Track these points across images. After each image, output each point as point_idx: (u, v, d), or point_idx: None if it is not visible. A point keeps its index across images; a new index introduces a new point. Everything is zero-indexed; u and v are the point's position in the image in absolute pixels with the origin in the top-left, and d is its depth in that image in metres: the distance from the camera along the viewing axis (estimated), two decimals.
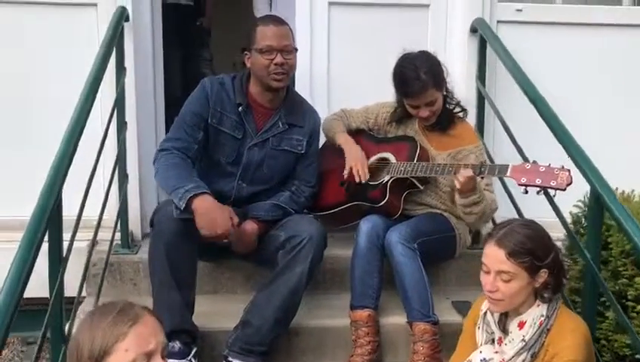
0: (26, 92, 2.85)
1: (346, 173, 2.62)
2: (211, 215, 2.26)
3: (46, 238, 1.72)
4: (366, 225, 2.52)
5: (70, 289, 2.04)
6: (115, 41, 2.50)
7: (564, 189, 2.07)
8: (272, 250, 2.44)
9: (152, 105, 2.98)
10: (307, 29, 2.97)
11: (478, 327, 2.01)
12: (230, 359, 2.30)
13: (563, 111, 2.42)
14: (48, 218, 1.67)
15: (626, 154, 2.99)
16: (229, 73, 2.62)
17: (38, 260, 1.59)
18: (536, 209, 2.37)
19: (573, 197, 2.35)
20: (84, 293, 2.45)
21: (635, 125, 3.10)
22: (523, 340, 1.86)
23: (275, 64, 2.41)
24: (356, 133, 2.79)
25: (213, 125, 2.48)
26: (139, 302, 2.66)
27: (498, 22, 3.00)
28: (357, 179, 2.58)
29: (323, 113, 2.80)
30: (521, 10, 3.02)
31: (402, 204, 2.59)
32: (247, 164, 2.52)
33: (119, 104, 2.64)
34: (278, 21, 2.50)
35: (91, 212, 2.28)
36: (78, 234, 2.05)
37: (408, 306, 2.41)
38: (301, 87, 2.94)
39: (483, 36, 2.90)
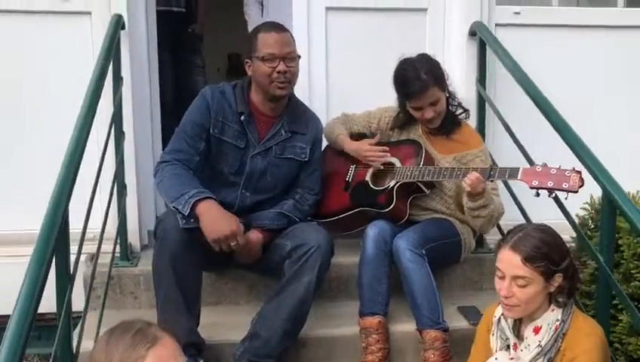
0: (20, 100, 2.80)
1: (370, 171, 2.61)
2: (217, 218, 2.23)
3: None
4: (373, 231, 2.49)
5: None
6: (112, 50, 2.45)
7: (577, 191, 2.06)
8: (278, 260, 2.40)
9: (148, 115, 2.94)
10: (305, 35, 2.94)
11: (493, 334, 1.99)
12: None
13: (562, 113, 2.41)
14: (56, 236, 1.61)
15: (629, 155, 3.00)
16: (230, 82, 2.58)
17: None
18: (541, 211, 2.37)
19: (576, 199, 2.34)
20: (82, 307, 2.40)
21: (636, 126, 3.12)
22: (539, 345, 1.85)
23: (278, 72, 2.38)
24: (358, 138, 2.76)
25: (215, 135, 2.44)
26: (140, 316, 2.62)
27: (496, 25, 3.00)
28: (380, 161, 2.57)
29: (322, 118, 2.77)
30: (519, 13, 3.02)
31: (408, 209, 2.57)
32: (250, 173, 2.48)
33: (117, 114, 2.58)
34: (279, 28, 2.46)
35: (91, 224, 2.23)
36: (74, 247, 1.99)
37: (418, 313, 2.39)
38: (300, 93, 2.89)
39: (482, 39, 2.89)
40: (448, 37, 3.04)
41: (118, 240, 2.66)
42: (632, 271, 2.08)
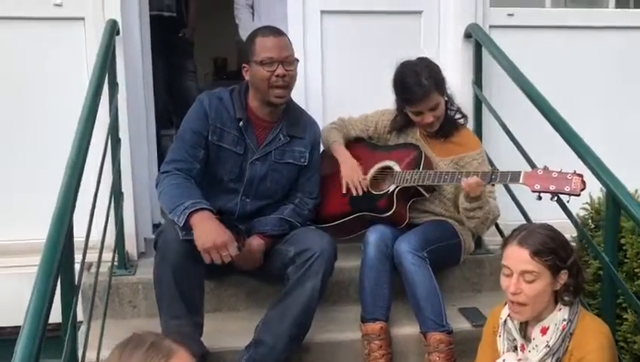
0: (13, 106, 2.76)
1: (344, 188, 2.60)
2: (209, 229, 2.18)
3: None
4: (374, 236, 2.48)
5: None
6: (109, 57, 2.42)
7: (579, 195, 2.07)
8: (280, 266, 2.39)
9: (144, 121, 2.91)
10: (300, 38, 2.93)
11: (499, 335, 2.00)
12: None
13: None
14: (62, 248, 1.59)
15: (623, 156, 3.02)
16: (227, 88, 2.55)
17: None
18: (541, 212, 2.37)
19: (575, 199, 2.35)
20: (80, 317, 2.36)
21: (631, 125, 3.15)
22: (547, 346, 1.85)
23: (277, 76, 2.36)
24: (356, 142, 2.76)
25: (214, 142, 2.42)
26: (140, 325, 2.59)
27: (490, 27, 3.02)
28: (354, 193, 2.56)
29: (318, 121, 2.76)
30: (512, 15, 3.04)
31: (408, 213, 2.57)
32: (250, 180, 2.46)
33: (113, 121, 2.55)
34: (277, 32, 2.45)
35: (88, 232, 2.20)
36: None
37: (422, 316, 2.39)
38: (296, 96, 2.87)
39: (478, 41, 2.90)
40: (444, 39, 3.04)
41: (112, 249, 2.63)
42: (635, 270, 2.09)
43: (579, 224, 2.28)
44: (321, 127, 2.71)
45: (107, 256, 2.50)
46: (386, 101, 2.69)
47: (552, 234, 1.87)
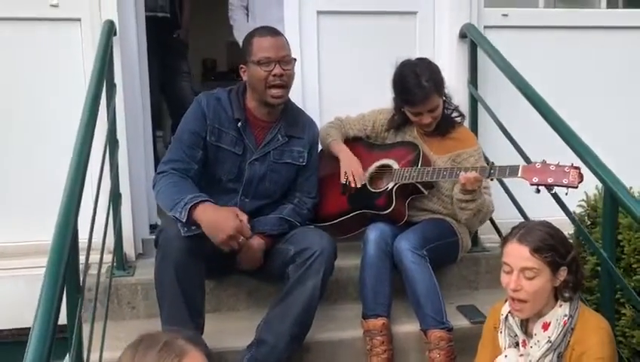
0: (9, 108, 2.75)
1: (343, 179, 2.61)
2: (216, 220, 2.19)
3: None
4: (374, 234, 2.50)
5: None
6: (107, 57, 2.42)
7: (577, 187, 2.11)
8: (280, 265, 2.39)
9: (140, 123, 2.90)
10: (297, 38, 2.93)
11: (501, 332, 2.01)
12: None
13: None
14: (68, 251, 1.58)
15: (617, 155, 3.07)
16: (225, 88, 2.56)
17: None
18: (538, 209, 2.41)
19: (571, 196, 2.38)
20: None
21: (625, 125, 3.20)
22: (549, 341, 1.87)
23: (274, 75, 2.37)
24: (354, 141, 2.78)
25: (212, 142, 2.42)
26: (139, 326, 2.59)
27: (485, 27, 3.04)
28: (353, 184, 2.58)
29: (315, 121, 2.76)
30: (507, 15, 3.07)
31: (407, 211, 2.59)
32: (249, 180, 2.47)
33: (111, 123, 2.54)
34: (274, 32, 2.46)
35: (86, 235, 2.19)
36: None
37: (422, 314, 2.40)
38: (292, 96, 2.87)
39: (473, 41, 2.93)
40: (439, 39, 3.07)
41: (110, 250, 2.62)
42: (633, 266, 2.12)
43: (576, 220, 2.31)
44: (318, 127, 2.72)
45: (105, 257, 2.48)
46: (382, 100, 2.71)
47: (551, 231, 1.90)
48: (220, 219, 2.21)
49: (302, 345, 2.37)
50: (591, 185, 2.32)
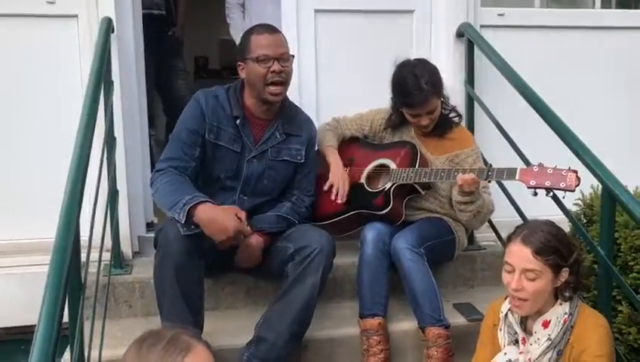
0: (5, 104, 2.73)
1: (326, 187, 2.63)
2: (217, 220, 2.21)
3: None
4: (371, 233, 2.51)
5: None
6: (105, 55, 2.40)
7: (574, 190, 2.12)
8: (279, 263, 2.39)
9: (137, 120, 2.88)
10: (294, 37, 2.93)
11: (500, 329, 2.02)
12: None
13: None
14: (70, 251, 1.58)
15: (612, 154, 3.10)
16: (223, 85, 2.55)
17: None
18: (534, 208, 2.41)
19: (567, 195, 2.40)
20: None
21: (623, 124, 3.23)
22: (549, 339, 1.89)
23: (273, 72, 2.37)
24: (351, 141, 2.79)
25: (211, 140, 2.42)
26: (136, 324, 2.58)
27: (481, 26, 3.06)
28: (332, 198, 2.60)
29: (313, 119, 2.76)
30: (503, 15, 3.09)
31: (404, 210, 2.60)
32: (247, 177, 2.47)
33: (109, 120, 2.53)
34: (272, 29, 2.46)
35: (86, 233, 2.19)
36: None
37: (420, 312, 2.42)
38: (290, 94, 2.88)
39: (470, 40, 2.94)
40: (435, 38, 3.08)
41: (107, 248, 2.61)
42: (629, 263, 2.14)
43: (574, 219, 2.33)
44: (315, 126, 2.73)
45: (102, 255, 2.48)
46: (379, 99, 2.72)
47: (555, 232, 1.89)
48: (220, 220, 2.21)
49: (301, 342, 2.37)
50: (587, 183, 2.34)
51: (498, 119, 2.78)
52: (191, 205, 2.20)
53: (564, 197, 2.18)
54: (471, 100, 3.01)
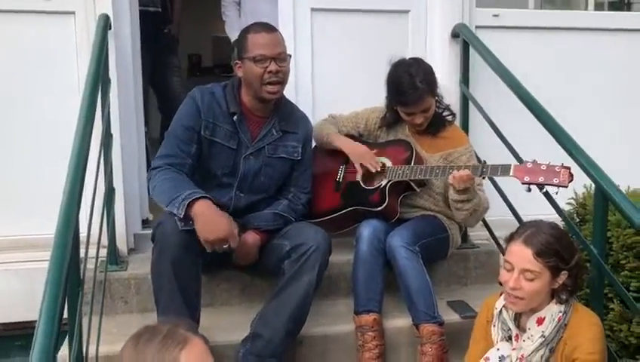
0: (2, 101, 2.73)
1: (359, 172, 2.62)
2: (211, 220, 2.21)
3: None
4: (367, 230, 2.53)
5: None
6: (103, 52, 2.41)
7: (567, 186, 2.15)
8: (275, 260, 2.41)
9: (134, 118, 2.89)
10: (291, 35, 2.95)
11: (494, 325, 2.04)
12: None
13: None
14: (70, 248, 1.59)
15: (608, 154, 3.14)
16: (219, 83, 2.56)
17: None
18: (527, 206, 2.45)
19: (560, 194, 2.43)
20: None
21: (615, 123, 3.26)
22: (542, 336, 1.91)
23: (270, 72, 2.38)
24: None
25: (207, 137, 2.43)
26: (132, 320, 2.59)
27: (476, 27, 3.09)
28: (373, 170, 2.60)
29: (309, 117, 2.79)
30: (498, 16, 3.12)
31: (399, 207, 2.62)
32: (244, 174, 2.48)
33: (106, 117, 2.53)
34: (269, 28, 2.47)
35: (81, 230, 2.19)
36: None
37: (414, 309, 2.44)
38: (286, 94, 2.90)
39: (466, 40, 2.97)
40: (431, 38, 3.10)
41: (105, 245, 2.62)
42: (621, 262, 2.18)
43: (567, 217, 2.36)
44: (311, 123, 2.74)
45: (96, 253, 2.49)
46: (375, 97, 2.73)
47: (557, 234, 1.91)
48: (217, 219, 2.22)
49: (296, 339, 2.39)
50: (580, 183, 2.37)
51: (493, 119, 2.81)
52: (190, 199, 2.21)
53: (557, 193, 2.20)
54: (466, 100, 3.03)
